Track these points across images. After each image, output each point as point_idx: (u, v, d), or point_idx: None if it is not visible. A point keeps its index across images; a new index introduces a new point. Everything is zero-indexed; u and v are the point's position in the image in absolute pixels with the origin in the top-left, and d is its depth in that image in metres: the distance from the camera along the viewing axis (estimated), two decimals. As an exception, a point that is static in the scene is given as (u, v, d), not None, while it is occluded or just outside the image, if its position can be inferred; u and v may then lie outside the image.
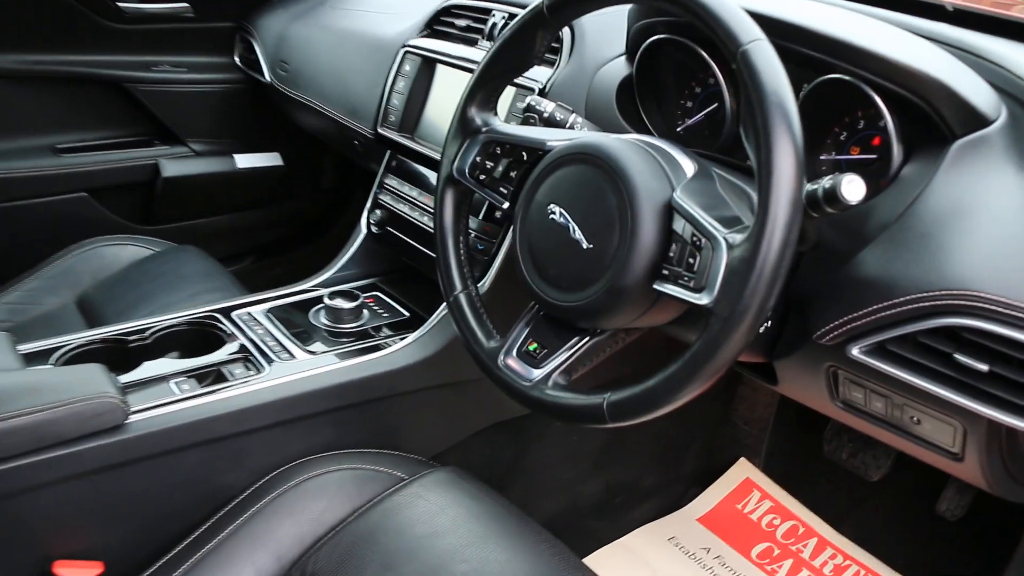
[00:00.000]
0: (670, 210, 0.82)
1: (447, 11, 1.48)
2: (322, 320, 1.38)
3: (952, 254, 0.83)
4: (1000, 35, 1.12)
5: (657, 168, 0.85)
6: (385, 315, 1.42)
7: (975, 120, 0.88)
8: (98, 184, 2.00)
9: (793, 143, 0.72)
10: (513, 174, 0.98)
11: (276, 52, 1.90)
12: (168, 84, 2.04)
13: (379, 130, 1.50)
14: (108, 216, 2.03)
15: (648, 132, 1.14)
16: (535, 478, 1.56)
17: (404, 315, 1.43)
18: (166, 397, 1.15)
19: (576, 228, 0.87)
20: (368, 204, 1.55)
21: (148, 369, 1.23)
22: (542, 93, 1.23)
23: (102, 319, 1.55)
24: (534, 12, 0.95)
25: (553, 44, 1.27)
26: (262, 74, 1.95)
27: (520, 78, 1.15)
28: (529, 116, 1.08)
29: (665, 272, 0.81)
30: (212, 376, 1.23)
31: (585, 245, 0.86)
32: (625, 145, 0.87)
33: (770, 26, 0.81)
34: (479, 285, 1.27)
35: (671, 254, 0.81)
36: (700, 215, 0.79)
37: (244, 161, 2.13)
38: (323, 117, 1.71)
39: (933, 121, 0.89)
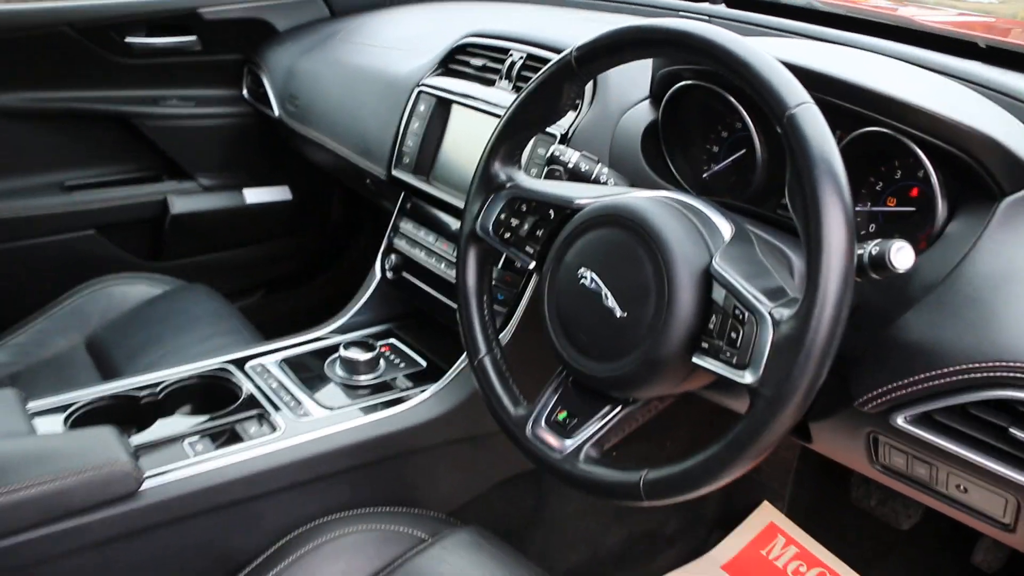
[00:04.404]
0: (709, 278, 0.78)
1: (463, 49, 1.45)
2: (338, 372, 1.34)
3: (1005, 321, 0.78)
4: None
5: (694, 231, 0.81)
6: (402, 365, 1.38)
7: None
8: (107, 221, 1.97)
9: (845, 216, 0.68)
10: (540, 232, 0.94)
11: (285, 86, 1.87)
12: (176, 119, 2.01)
13: (393, 172, 1.47)
14: (117, 253, 2.01)
15: (674, 180, 1.10)
16: (556, 530, 1.52)
17: (421, 365, 1.39)
18: (180, 460, 1.12)
19: (609, 295, 0.83)
20: (383, 248, 1.51)
21: (162, 428, 1.19)
22: (564, 139, 1.19)
23: (112, 362, 1.52)
24: (561, 64, 0.91)
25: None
26: (271, 108, 1.92)
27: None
28: (553, 168, 1.04)
29: (704, 345, 0.77)
30: (226, 435, 1.19)
31: (619, 313, 0.82)
32: (659, 207, 0.83)
33: (808, 79, 0.78)
34: (503, 333, 1.24)
35: (711, 326, 0.77)
36: (742, 285, 0.75)
37: (253, 195, 2.09)
38: (334, 155, 1.68)
39: (979, 176, 0.85)
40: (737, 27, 1.42)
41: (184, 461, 1.11)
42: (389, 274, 1.49)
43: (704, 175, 1.11)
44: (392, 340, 1.45)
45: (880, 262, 0.74)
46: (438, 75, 1.46)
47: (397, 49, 1.64)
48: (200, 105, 2.04)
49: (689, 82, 1.05)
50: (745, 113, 1.02)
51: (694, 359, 0.78)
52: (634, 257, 0.81)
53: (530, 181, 0.97)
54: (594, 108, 1.20)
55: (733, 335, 0.74)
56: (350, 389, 1.32)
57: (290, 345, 1.42)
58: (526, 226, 0.95)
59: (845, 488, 1.61)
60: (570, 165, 1.04)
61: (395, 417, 1.25)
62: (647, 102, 1.14)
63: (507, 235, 0.97)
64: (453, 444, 1.30)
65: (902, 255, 0.74)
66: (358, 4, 2.02)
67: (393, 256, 1.48)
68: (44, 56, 1.84)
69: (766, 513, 1.68)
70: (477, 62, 1.40)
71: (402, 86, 1.49)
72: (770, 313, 0.72)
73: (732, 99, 1.02)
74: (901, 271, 0.74)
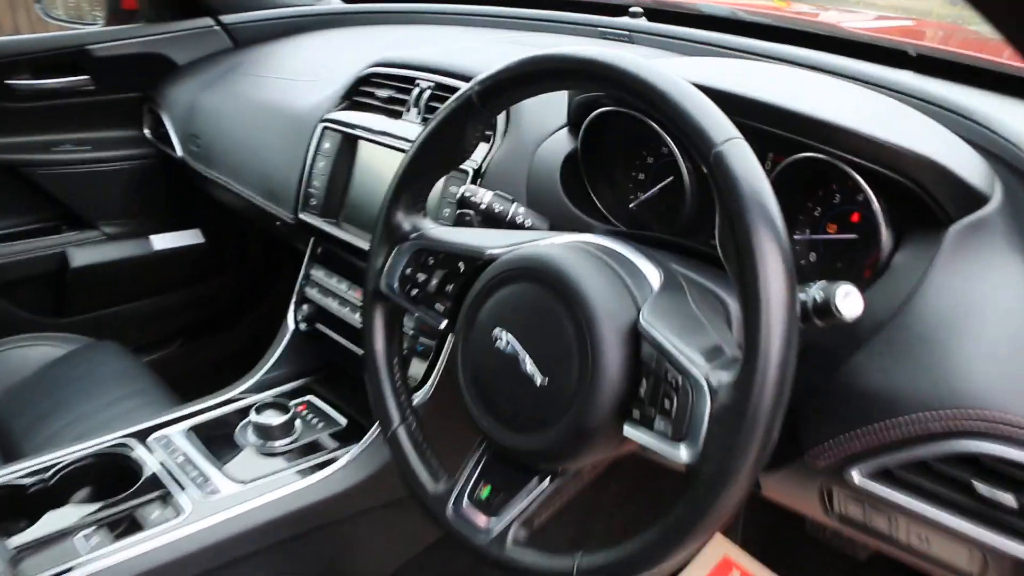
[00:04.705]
0: (637, 336, 0.69)
1: (367, 80, 1.34)
2: (251, 438, 1.22)
3: (962, 362, 0.71)
4: (975, 86, 1.02)
5: (617, 283, 0.73)
6: (320, 425, 1.27)
7: (971, 200, 0.77)
8: (2, 279, 1.82)
9: (783, 265, 0.60)
10: (450, 288, 0.85)
11: (186, 125, 1.75)
12: (71, 164, 1.87)
13: (300, 216, 1.36)
14: (15, 313, 1.85)
15: (599, 214, 1.02)
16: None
17: (341, 424, 1.28)
18: (69, 560, 1.00)
19: (528, 360, 0.74)
20: (294, 299, 1.40)
21: (50, 523, 1.06)
22: (477, 176, 1.10)
23: (10, 438, 1.40)
24: (461, 101, 0.82)
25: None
26: (173, 148, 1.79)
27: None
28: (464, 212, 0.95)
29: (636, 414, 0.68)
30: (125, 524, 1.07)
31: (539, 380, 0.73)
32: (577, 257, 0.74)
33: (733, 105, 0.70)
34: (419, 394, 1.14)
35: (641, 392, 0.68)
36: (674, 345, 0.66)
37: (161, 241, 1.96)
38: (239, 197, 1.56)
39: (923, 201, 0.78)
40: (659, 41, 1.35)
41: (74, 561, 0.99)
42: (302, 325, 1.38)
43: (631, 205, 1.03)
44: (310, 397, 1.34)
45: (825, 309, 0.66)
46: (343, 109, 1.36)
47: (300, 80, 1.53)
48: (98, 149, 1.90)
49: (608, 108, 0.97)
50: (669, 139, 0.94)
51: (626, 429, 0.69)
52: (552, 316, 0.72)
53: (437, 230, 0.88)
54: (508, 139, 1.11)
55: (667, 403, 0.65)
56: (265, 457, 1.20)
57: (199, 410, 1.30)
58: (434, 281, 0.85)
59: (799, 519, 1.54)
60: (482, 207, 0.95)
61: (316, 486, 1.14)
62: (565, 130, 1.06)
63: (414, 292, 0.87)
64: (381, 509, 1.20)
65: (849, 302, 0.66)
66: (262, 33, 1.91)
67: (305, 306, 1.37)
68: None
69: (720, 546, 1.60)
70: (383, 93, 1.30)
71: (305, 122, 1.38)
72: (707, 378, 0.63)
73: (654, 124, 0.95)
74: (849, 319, 0.66)
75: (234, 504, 1.09)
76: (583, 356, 0.69)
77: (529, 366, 0.73)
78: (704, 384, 0.63)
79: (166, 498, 1.10)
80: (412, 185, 0.88)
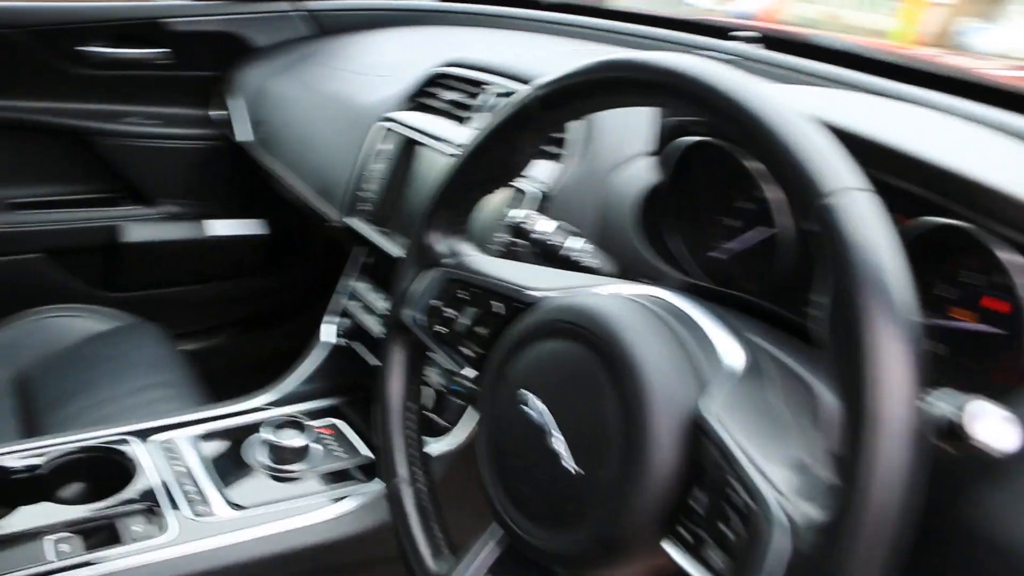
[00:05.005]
0: (699, 431, 0.54)
1: (435, 80, 1.22)
2: (258, 457, 1.10)
3: None
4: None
5: (682, 357, 0.57)
6: (342, 454, 1.14)
7: None
8: (57, 244, 1.77)
9: (907, 369, 0.44)
10: (481, 330, 0.70)
11: (253, 110, 1.65)
12: (137, 138, 1.80)
13: (346, 220, 1.24)
14: (67, 280, 1.80)
15: (674, 258, 0.86)
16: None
17: (366, 457, 1.14)
18: (33, 564, 0.89)
19: (557, 435, 0.59)
20: (330, 308, 1.28)
21: (21, 519, 0.96)
22: (544, 201, 0.95)
23: (33, 409, 1.34)
24: (519, 106, 0.68)
25: (558, 135, 1.00)
26: (238, 132, 1.70)
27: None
28: (516, 242, 0.81)
29: (683, 532, 0.53)
30: (103, 533, 0.96)
31: (569, 465, 0.58)
32: (636, 315, 0.59)
33: (859, 149, 0.54)
34: (441, 441, 1.00)
35: (693, 503, 0.53)
36: (746, 455, 0.50)
37: (221, 227, 1.87)
38: (293, 191, 1.46)
39: None
40: (773, 72, 1.19)
41: (38, 567, 0.89)
42: (336, 340, 1.26)
43: (712, 253, 0.87)
44: (335, 421, 1.21)
45: (959, 434, 0.49)
46: (407, 109, 1.23)
47: (371, 75, 1.42)
48: (166, 125, 1.83)
49: (702, 139, 0.82)
50: (765, 182, 0.78)
51: (665, 546, 0.54)
52: (595, 387, 0.57)
53: (476, 258, 0.74)
54: (584, 161, 0.96)
55: (726, 531, 0.50)
56: (274, 481, 1.08)
57: (212, 416, 1.19)
58: (464, 320, 0.72)
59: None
60: (536, 237, 0.80)
61: (325, 525, 1.02)
62: (647, 159, 0.91)
63: (442, 329, 0.73)
64: (398, 562, 1.06)
65: (1003, 432, 0.47)
66: (347, 23, 1.81)
67: (341, 320, 1.25)
68: (-11, 62, 1.64)
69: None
70: (449, 96, 1.17)
71: (366, 119, 1.26)
72: (786, 511, 0.47)
73: (749, 163, 0.79)
74: (1000, 453, 0.48)
75: (226, 531, 0.97)
76: (626, 445, 0.54)
77: (559, 445, 0.59)
78: (784, 518, 0.47)
79: (153, 511, 0.99)
80: (453, 201, 0.74)
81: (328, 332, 1.28)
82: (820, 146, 0.50)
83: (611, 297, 0.62)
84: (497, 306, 0.69)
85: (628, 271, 0.82)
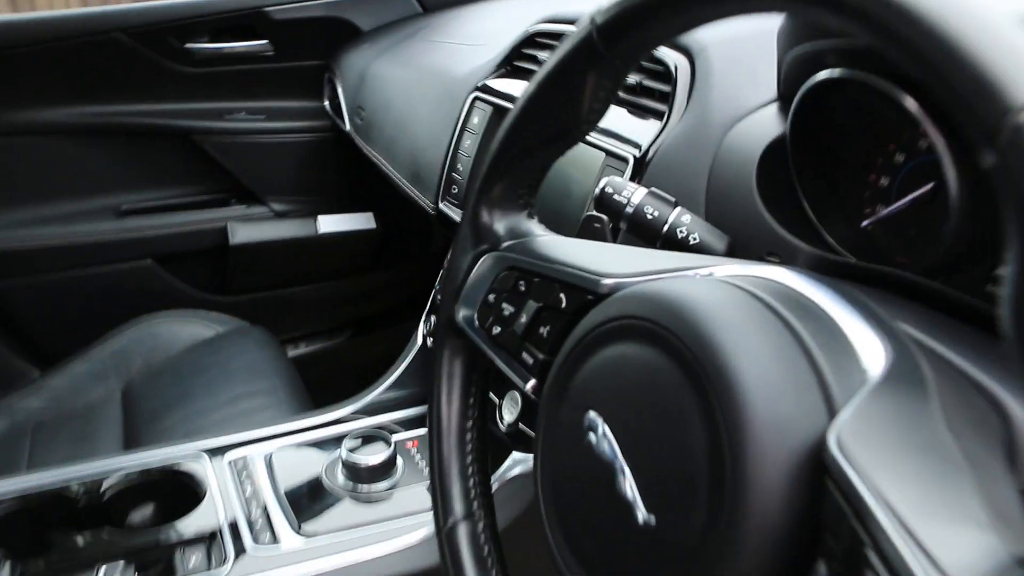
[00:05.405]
0: (821, 473, 0.36)
1: (531, 41, 1.06)
2: (335, 476, 0.98)
3: None
4: None
5: (801, 369, 0.39)
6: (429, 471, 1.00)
7: None
8: (166, 250, 1.73)
9: None
10: (545, 330, 0.54)
11: (358, 95, 1.55)
12: (244, 134, 1.74)
13: (440, 206, 1.10)
14: (177, 286, 1.76)
15: (810, 229, 0.67)
16: None
17: None
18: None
19: (628, 475, 0.42)
20: (427, 307, 1.15)
21: (82, 542, 0.88)
22: (640, 165, 0.78)
23: (136, 419, 1.32)
24: (576, 43, 0.51)
25: (657, 87, 0.82)
26: (344, 121, 1.61)
27: (606, 140, 0.72)
28: (597, 217, 0.64)
29: None
30: (159, 566, 0.86)
31: (641, 514, 0.41)
32: (740, 309, 0.41)
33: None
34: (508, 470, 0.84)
35: None
36: (892, 516, 0.32)
37: (329, 223, 1.79)
38: (389, 180, 1.34)
39: None
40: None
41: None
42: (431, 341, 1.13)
43: (864, 224, 0.67)
44: (425, 431, 1.08)
45: None
46: (500, 76, 1.08)
47: (468, 44, 1.27)
48: (273, 119, 1.76)
49: (837, 74, 0.62)
50: (929, 123, 0.58)
51: None
52: (677, 410, 0.40)
53: (542, 239, 0.58)
54: (688, 116, 0.78)
55: None
56: (350, 503, 0.96)
57: (294, 430, 1.08)
58: (524, 317, 0.55)
59: None
60: (628, 210, 0.63)
61: (396, 557, 0.88)
62: (773, 107, 0.72)
63: (498, 329, 0.57)
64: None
65: None
66: (452, -1, 1.68)
67: (435, 317, 1.12)
68: (95, 66, 1.61)
69: None
70: (545, 56, 1.01)
71: (458, 91, 1.12)
72: None
73: (907, 100, 0.59)
74: None
75: (288, 563, 0.85)
76: (715, 490, 0.37)
77: (629, 487, 0.42)
78: None
79: (213, 539, 0.89)
80: (510, 168, 0.58)
81: (422, 331, 1.14)
82: (1015, 45, 0.31)
83: (706, 283, 0.44)
84: (563, 299, 0.53)
85: (748, 248, 0.64)
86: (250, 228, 1.73)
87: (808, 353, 0.40)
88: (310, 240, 1.77)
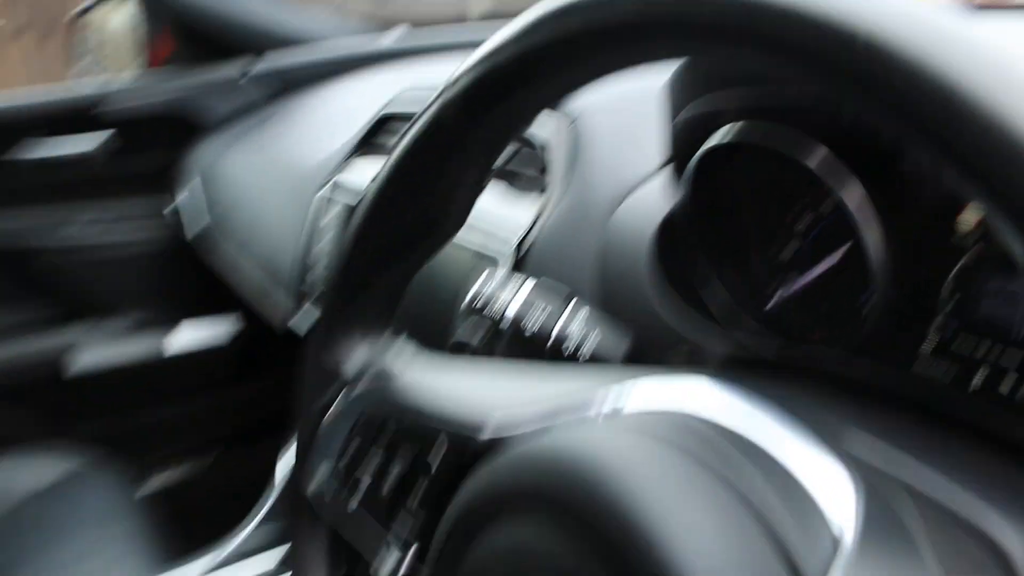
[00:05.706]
0: None
1: (385, 123, 0.95)
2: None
3: None
4: None
5: (758, 544, 0.28)
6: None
7: None
8: None
9: None
10: (414, 497, 0.42)
11: (202, 196, 1.40)
12: (80, 250, 1.56)
13: (290, 325, 0.96)
14: (13, 422, 1.55)
15: (711, 316, 0.57)
16: None
17: None
18: None
19: None
20: (283, 451, 1.00)
21: None
22: (520, 259, 0.67)
23: None
24: (429, 123, 0.40)
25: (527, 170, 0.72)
26: (187, 226, 1.45)
27: (479, 223, 0.61)
28: (463, 345, 0.53)
29: None
30: None
31: None
32: (670, 476, 0.30)
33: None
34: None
35: None
36: None
37: (186, 336, 1.61)
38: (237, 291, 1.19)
39: None
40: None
41: None
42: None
43: (769, 305, 0.58)
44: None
45: None
46: (357, 160, 0.96)
47: (318, 130, 1.15)
48: (112, 229, 1.58)
49: (732, 135, 0.53)
50: (839, 179, 0.50)
51: None
52: None
53: (404, 373, 0.46)
54: (570, 194, 0.68)
55: None
56: None
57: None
58: (390, 478, 0.43)
59: None
60: (507, 315, 0.52)
61: None
62: (663, 176, 0.62)
63: (357, 497, 0.44)
64: None
65: None
66: (302, 78, 1.54)
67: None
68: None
69: None
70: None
71: (309, 186, 0.99)
72: None
73: (812, 156, 0.50)
74: None
75: None
76: None
77: None
78: None
79: None
80: (360, 285, 0.46)
81: (285, 466, 0.99)
82: None
83: (618, 437, 0.33)
84: (437, 452, 0.41)
85: (651, 345, 0.54)
86: (93, 351, 1.54)
87: (763, 521, 0.29)
88: (166, 357, 1.59)
